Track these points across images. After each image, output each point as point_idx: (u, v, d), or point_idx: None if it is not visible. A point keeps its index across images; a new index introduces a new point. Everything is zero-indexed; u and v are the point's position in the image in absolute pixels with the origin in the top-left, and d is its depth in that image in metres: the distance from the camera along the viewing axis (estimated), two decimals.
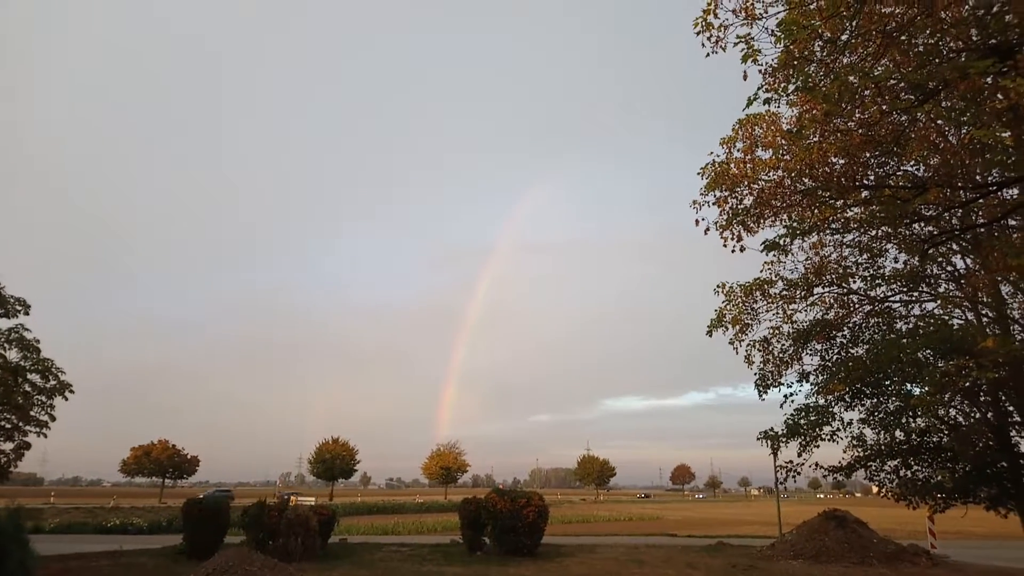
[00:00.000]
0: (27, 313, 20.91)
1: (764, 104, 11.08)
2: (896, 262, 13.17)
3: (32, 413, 21.32)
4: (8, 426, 20.85)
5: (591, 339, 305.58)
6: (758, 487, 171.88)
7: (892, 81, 10.57)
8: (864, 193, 11.36)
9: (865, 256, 13.21)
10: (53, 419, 21.75)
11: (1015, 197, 10.79)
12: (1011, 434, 12.65)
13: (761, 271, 13.86)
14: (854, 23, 10.28)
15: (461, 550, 19.11)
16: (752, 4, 11.05)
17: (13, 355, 21.03)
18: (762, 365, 13.83)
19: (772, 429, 13.06)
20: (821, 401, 13.07)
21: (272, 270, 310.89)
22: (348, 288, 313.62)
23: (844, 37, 10.44)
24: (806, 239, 12.08)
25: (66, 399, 22.08)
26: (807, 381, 13.74)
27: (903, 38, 10.49)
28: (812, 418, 12.65)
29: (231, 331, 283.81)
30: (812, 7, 10.40)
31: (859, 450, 13.40)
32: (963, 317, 13.70)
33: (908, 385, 12.41)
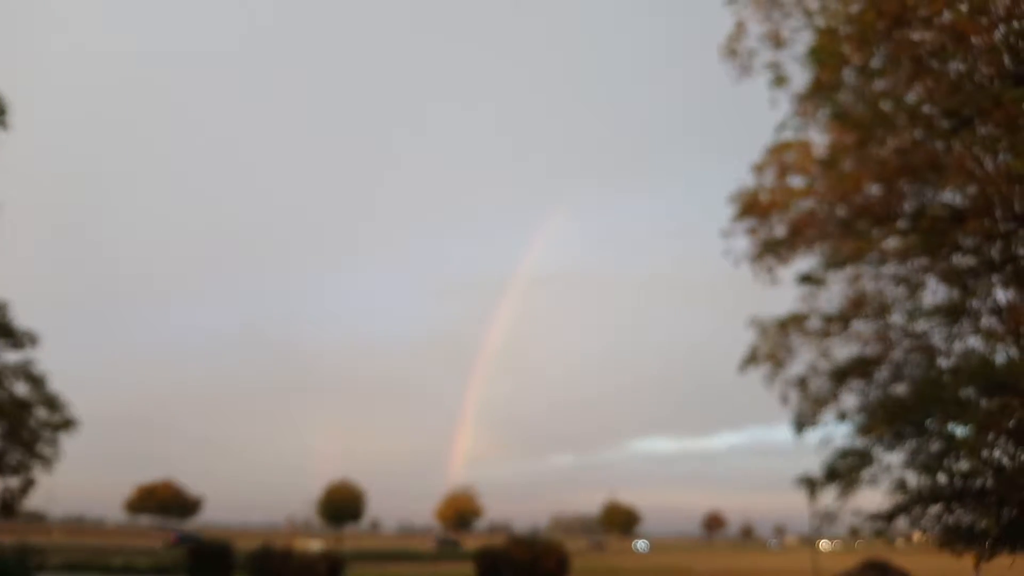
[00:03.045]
0: (35, 346, 20.66)
1: (794, 131, 10.73)
2: (936, 295, 12.63)
3: (37, 449, 20.91)
4: (13, 463, 20.44)
5: (614, 376, 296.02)
6: (794, 534, 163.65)
7: (925, 108, 10.25)
8: (901, 223, 10.95)
9: (903, 289, 12.70)
10: (59, 455, 21.33)
11: None
12: None
13: (796, 305, 13.38)
14: (882, 48, 10.02)
15: None
16: (778, 31, 10.85)
17: (21, 389, 20.73)
18: (798, 404, 13.23)
19: (809, 473, 12.41)
20: (860, 443, 12.43)
21: (274, 305, 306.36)
22: (353, 323, 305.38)
23: (874, 63, 10.17)
24: (842, 271, 11.64)
25: (69, 435, 21.67)
26: (845, 421, 13.11)
27: (934, 64, 10.23)
28: (851, 461, 12.00)
29: (234, 367, 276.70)
30: (841, 33, 10.16)
31: (900, 495, 12.70)
32: (1007, 353, 13.10)
33: (950, 425, 11.82)
